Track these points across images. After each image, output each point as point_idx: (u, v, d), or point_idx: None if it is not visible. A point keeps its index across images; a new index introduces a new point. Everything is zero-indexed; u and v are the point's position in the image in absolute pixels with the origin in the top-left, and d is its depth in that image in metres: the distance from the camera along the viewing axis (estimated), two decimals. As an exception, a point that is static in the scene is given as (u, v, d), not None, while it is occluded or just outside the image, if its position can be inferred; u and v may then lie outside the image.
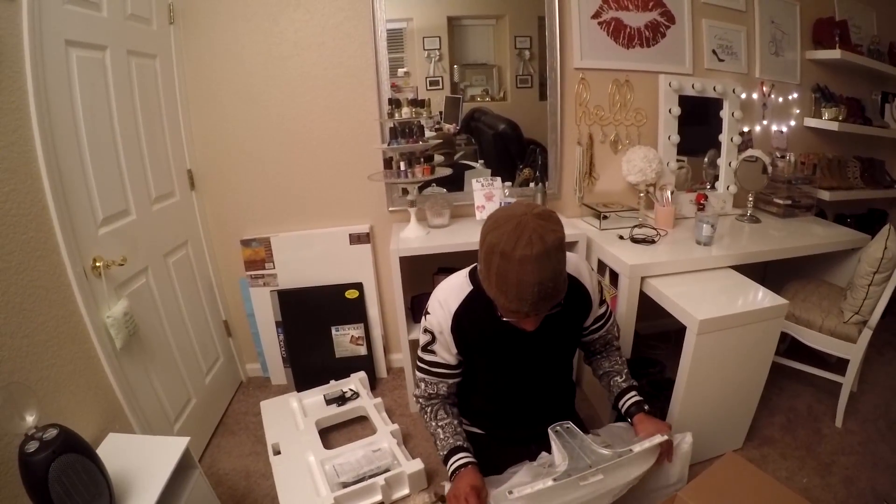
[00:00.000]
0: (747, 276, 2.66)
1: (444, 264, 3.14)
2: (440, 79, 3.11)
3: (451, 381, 1.95)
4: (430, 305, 1.88)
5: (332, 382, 3.21)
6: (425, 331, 1.90)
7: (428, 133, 2.89)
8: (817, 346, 2.86)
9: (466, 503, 1.73)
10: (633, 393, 2.03)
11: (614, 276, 2.84)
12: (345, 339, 3.37)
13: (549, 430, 1.81)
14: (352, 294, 3.31)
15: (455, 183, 3.24)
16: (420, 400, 2.01)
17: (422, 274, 3.14)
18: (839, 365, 2.85)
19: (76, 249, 2.00)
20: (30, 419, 1.52)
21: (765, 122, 3.62)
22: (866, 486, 2.51)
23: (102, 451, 1.75)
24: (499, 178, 3.08)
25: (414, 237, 2.91)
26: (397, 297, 2.86)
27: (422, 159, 2.83)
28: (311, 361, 3.36)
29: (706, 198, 3.33)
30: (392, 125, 2.79)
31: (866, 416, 2.98)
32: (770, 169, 3.22)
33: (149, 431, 2.33)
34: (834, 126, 3.54)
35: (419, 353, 1.95)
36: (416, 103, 2.79)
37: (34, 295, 1.79)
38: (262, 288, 3.29)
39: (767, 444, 2.81)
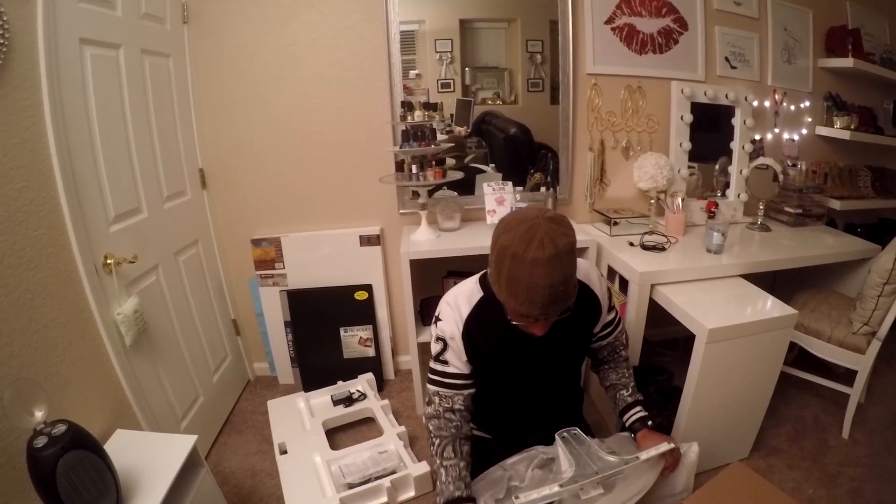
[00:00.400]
0: (757, 284, 2.66)
1: (453, 268, 3.14)
2: (451, 81, 3.12)
3: (465, 392, 1.90)
4: (440, 312, 1.86)
5: (340, 383, 3.22)
6: (437, 339, 1.87)
7: (439, 136, 2.90)
8: (826, 356, 2.85)
9: None
10: (639, 408, 2.02)
11: (624, 283, 2.84)
12: (353, 340, 3.38)
13: (556, 436, 1.81)
14: (361, 295, 3.31)
15: (466, 186, 3.23)
16: (431, 422, 1.92)
17: (431, 277, 3.14)
18: (847, 376, 2.83)
19: (88, 246, 2.01)
20: (39, 415, 1.52)
21: (776, 130, 3.61)
22: (872, 498, 2.50)
23: (110, 448, 1.75)
24: (510, 183, 3.07)
25: (424, 240, 2.92)
26: (407, 299, 2.86)
27: (433, 162, 2.83)
28: (318, 362, 3.37)
29: (717, 205, 3.32)
30: (404, 128, 2.79)
31: (874, 428, 2.97)
32: (781, 177, 3.20)
33: (156, 428, 2.34)
34: (846, 135, 3.53)
35: (431, 364, 1.91)
36: (429, 106, 2.79)
37: (45, 291, 1.80)
38: (271, 288, 3.30)
39: (774, 454, 2.80)
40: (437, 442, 1.88)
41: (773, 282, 3.52)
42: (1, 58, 1.64)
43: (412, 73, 3.00)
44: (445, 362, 1.87)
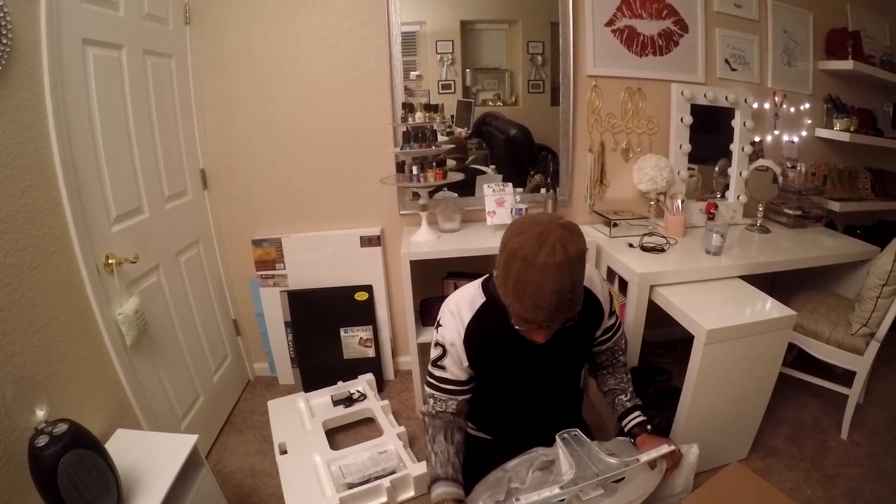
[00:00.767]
0: (756, 286, 2.66)
1: (454, 269, 3.15)
2: (452, 82, 3.12)
3: (460, 398, 1.91)
4: (442, 317, 1.87)
5: (340, 383, 3.23)
6: (437, 344, 1.87)
7: (440, 137, 2.91)
8: (824, 357, 2.86)
9: None
10: (638, 413, 2.01)
11: (623, 284, 2.84)
12: (353, 340, 3.38)
13: (557, 438, 1.80)
14: (361, 296, 3.32)
15: (466, 188, 3.24)
16: (425, 417, 1.96)
17: (432, 278, 3.15)
18: (846, 377, 2.84)
19: (89, 246, 2.02)
20: (40, 414, 1.53)
21: (776, 132, 3.62)
22: (870, 499, 2.50)
23: (111, 447, 1.75)
24: (510, 184, 3.09)
25: (424, 241, 2.93)
26: (407, 300, 2.87)
27: (434, 164, 2.84)
28: (319, 362, 3.37)
29: (716, 207, 3.32)
30: (405, 129, 2.80)
31: (872, 429, 2.97)
32: (781, 179, 3.21)
33: (157, 428, 2.34)
34: (845, 137, 3.54)
35: (429, 367, 1.92)
36: (430, 108, 2.80)
37: (47, 290, 1.81)
38: (272, 288, 3.30)
39: (772, 454, 2.80)
40: (430, 430, 1.92)
41: (772, 283, 3.53)
42: (4, 58, 1.65)
43: (413, 74, 3.00)
44: (443, 368, 1.87)
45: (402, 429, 2.84)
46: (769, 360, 2.49)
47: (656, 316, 2.69)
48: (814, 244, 3.10)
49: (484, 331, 1.79)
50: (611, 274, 2.99)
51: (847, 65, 3.48)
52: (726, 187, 3.52)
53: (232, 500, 2.46)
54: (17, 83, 1.72)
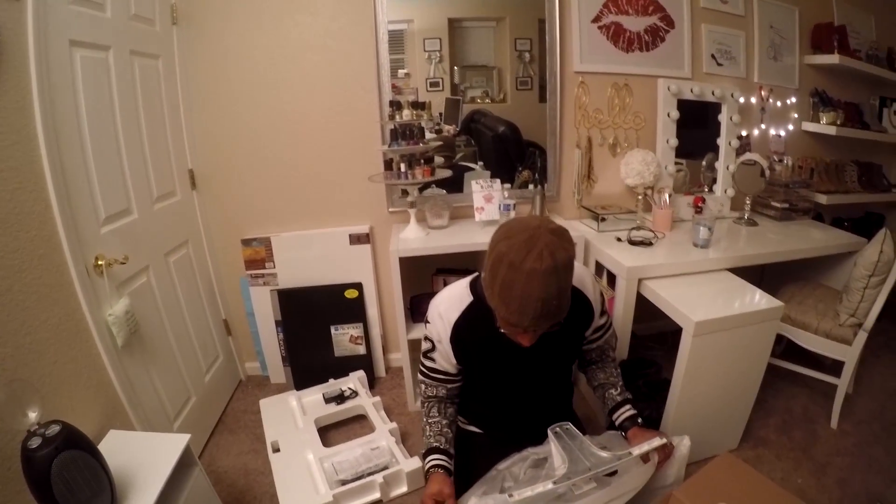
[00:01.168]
0: (744, 278, 2.68)
1: (443, 265, 3.16)
2: (440, 80, 3.13)
3: (450, 386, 1.97)
4: (429, 315, 1.88)
5: (331, 381, 3.23)
6: (426, 338, 1.91)
7: (428, 135, 2.91)
8: (813, 348, 2.88)
9: None
10: (628, 406, 2.02)
11: (612, 278, 2.86)
12: (344, 338, 3.39)
13: (549, 431, 1.80)
14: (351, 294, 3.32)
15: (454, 184, 3.25)
16: (421, 398, 2.03)
17: (421, 274, 3.16)
18: (835, 367, 2.86)
19: (79, 248, 2.01)
20: (32, 416, 1.53)
21: (763, 126, 3.64)
22: (860, 487, 2.53)
23: (104, 448, 1.76)
24: (498, 180, 3.10)
25: (413, 238, 2.93)
26: (396, 297, 2.88)
27: (422, 161, 2.85)
28: (310, 360, 3.38)
29: (704, 201, 3.34)
30: (393, 127, 2.81)
31: (861, 418, 3.00)
32: (768, 172, 3.24)
33: (149, 429, 2.34)
34: (832, 130, 3.57)
35: (421, 357, 1.96)
36: (417, 105, 2.80)
37: (37, 293, 1.80)
38: (262, 287, 3.30)
39: (763, 444, 2.83)
40: (426, 405, 1.99)
41: (760, 275, 3.55)
42: (-9, 61, 1.65)
43: (401, 72, 3.01)
44: (433, 360, 1.92)
45: (394, 425, 2.85)
46: (758, 351, 2.51)
47: (645, 309, 2.71)
48: (801, 236, 3.13)
49: (471, 330, 1.80)
50: (599, 268, 3.00)
51: (833, 59, 3.51)
52: (714, 181, 3.54)
53: (226, 500, 2.47)
54: (5, 86, 1.72)
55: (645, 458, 1.82)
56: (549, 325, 1.57)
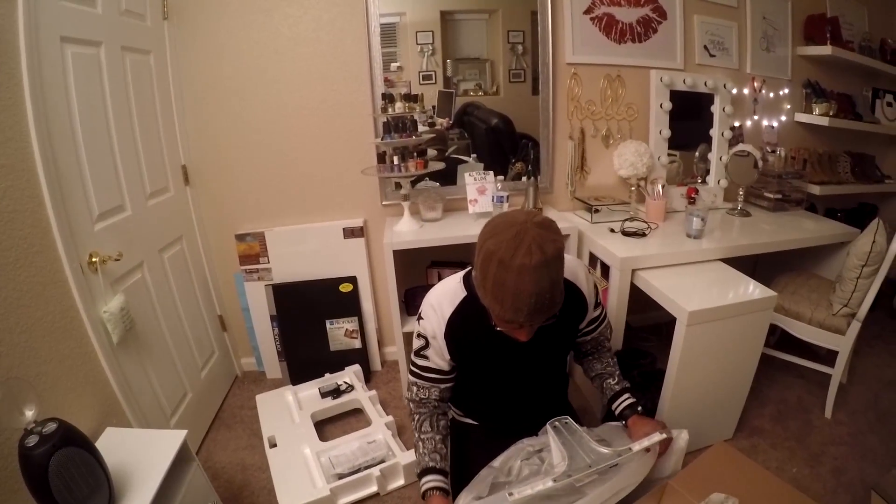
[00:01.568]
0: (738, 269, 2.69)
1: (437, 258, 3.16)
2: (433, 73, 3.13)
3: (443, 385, 1.93)
4: (423, 310, 1.86)
5: (327, 375, 3.25)
6: (419, 335, 1.87)
7: (421, 128, 2.91)
8: (807, 338, 2.89)
9: None
10: (627, 395, 2.02)
11: (605, 269, 2.86)
12: (339, 332, 3.39)
13: (548, 426, 1.80)
14: (346, 288, 3.33)
15: (448, 177, 3.25)
16: (410, 404, 1.98)
17: (415, 267, 3.16)
18: (829, 357, 2.87)
19: (72, 245, 2.01)
20: (29, 414, 1.53)
21: (756, 118, 3.65)
22: (855, 475, 2.55)
23: (101, 445, 1.75)
24: (491, 173, 3.10)
25: (407, 231, 2.94)
26: (391, 290, 2.89)
27: (415, 153, 2.84)
28: (305, 355, 3.38)
29: (697, 192, 3.35)
30: (385, 120, 2.81)
31: (855, 408, 3.02)
32: (761, 163, 3.24)
33: (146, 426, 2.34)
34: (824, 121, 3.57)
35: (412, 357, 1.92)
36: (410, 98, 2.80)
37: (31, 291, 1.80)
38: (256, 282, 3.30)
39: (758, 434, 2.84)
40: (416, 418, 1.94)
41: (754, 266, 3.56)
42: (-19, 58, 1.64)
43: (393, 65, 3.00)
44: (426, 357, 1.88)
45: (391, 418, 2.86)
46: (752, 340, 2.52)
47: (640, 301, 2.72)
48: (794, 227, 3.14)
49: (465, 325, 1.79)
50: (593, 259, 3.00)
51: (826, 50, 3.51)
52: (707, 172, 3.55)
53: (223, 495, 2.47)
54: (-4, 83, 1.72)
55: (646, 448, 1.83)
56: (545, 318, 1.55)
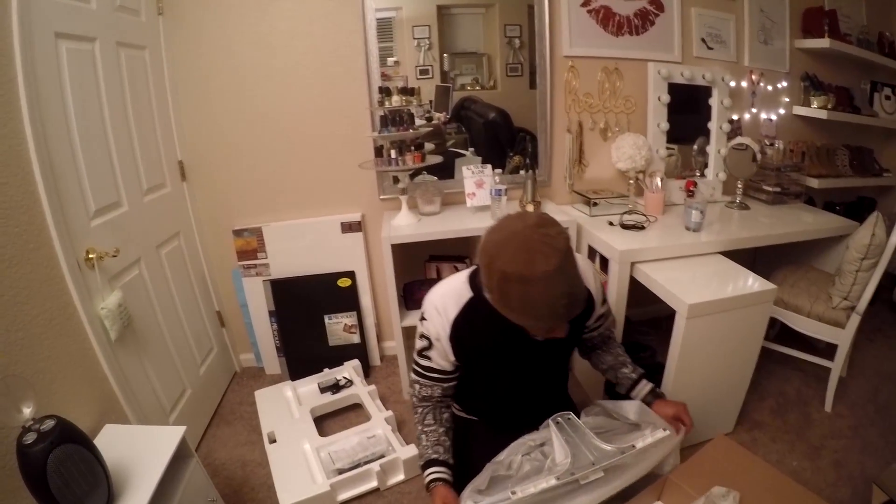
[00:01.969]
0: (737, 262, 2.68)
1: (435, 251, 3.17)
2: (430, 68, 3.12)
3: (446, 384, 1.91)
4: (426, 311, 1.82)
5: (326, 371, 3.24)
6: (422, 336, 1.85)
7: (418, 121, 2.90)
8: (806, 331, 2.89)
9: None
10: (644, 381, 2.02)
11: (604, 262, 2.86)
12: (338, 327, 3.39)
13: (550, 422, 1.79)
14: (344, 282, 3.32)
15: (446, 171, 3.25)
16: (413, 398, 1.98)
17: (414, 261, 3.17)
18: (828, 350, 2.88)
19: (69, 241, 2.00)
20: (27, 411, 1.52)
21: (754, 110, 3.64)
22: (855, 468, 2.55)
23: (100, 442, 1.76)
24: (489, 166, 3.09)
25: (405, 225, 2.93)
26: (389, 284, 2.88)
27: (412, 147, 2.83)
28: (304, 350, 3.38)
29: (695, 185, 3.34)
30: (382, 113, 2.80)
31: (855, 401, 3.02)
32: (759, 156, 3.23)
33: (144, 422, 2.33)
34: (823, 114, 3.57)
35: (414, 356, 1.91)
36: (406, 91, 2.79)
37: (28, 288, 1.79)
38: (254, 278, 3.29)
39: (758, 427, 2.84)
40: (419, 411, 1.94)
41: (753, 259, 3.56)
42: (-25, 53, 1.63)
43: (390, 60, 2.99)
44: (428, 358, 1.86)
45: (390, 413, 2.85)
46: (751, 333, 2.51)
47: (639, 294, 2.72)
48: (793, 220, 3.13)
49: (471, 327, 1.76)
50: (591, 252, 3.00)
51: (823, 43, 3.50)
52: (705, 165, 3.54)
53: (223, 491, 2.46)
54: (-10, 79, 1.71)
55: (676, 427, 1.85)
56: (582, 307, 1.54)
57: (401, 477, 2.59)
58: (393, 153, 2.82)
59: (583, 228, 3.04)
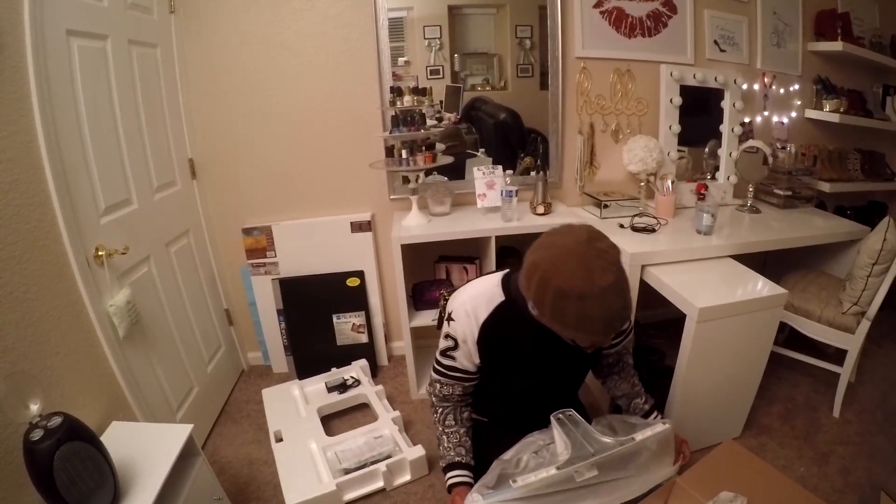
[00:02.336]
0: (747, 266, 2.67)
1: (445, 252, 3.17)
2: (441, 68, 3.12)
3: (467, 384, 1.92)
4: (455, 312, 1.82)
5: (334, 370, 3.24)
6: (447, 336, 1.85)
7: (429, 122, 2.90)
8: (816, 336, 2.88)
9: None
10: (656, 413, 2.07)
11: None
12: (346, 326, 3.39)
13: (552, 418, 1.80)
14: (353, 282, 3.32)
15: (456, 171, 3.25)
16: (433, 397, 1.99)
17: (423, 262, 3.17)
18: (837, 356, 2.86)
19: (79, 238, 2.01)
20: (34, 408, 1.53)
21: (766, 113, 3.62)
22: (863, 475, 2.53)
23: (106, 439, 1.76)
24: (500, 167, 3.08)
25: (415, 225, 2.93)
26: (399, 284, 2.88)
27: (423, 147, 2.83)
28: (312, 349, 3.38)
29: (707, 188, 3.33)
30: (393, 113, 2.79)
31: (864, 407, 3.00)
32: (771, 160, 3.22)
33: (151, 419, 2.34)
34: (835, 118, 3.54)
35: (437, 356, 1.91)
36: (418, 91, 2.79)
37: (38, 284, 1.80)
38: (263, 276, 3.30)
39: (765, 432, 2.83)
40: (439, 411, 1.96)
41: (763, 263, 3.54)
42: (-12, 50, 1.63)
43: (401, 60, 2.99)
44: (452, 358, 1.86)
45: (397, 413, 2.85)
46: (761, 338, 2.50)
47: (649, 298, 2.70)
48: (804, 224, 3.11)
49: (499, 330, 1.77)
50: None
51: (836, 46, 3.48)
52: (716, 168, 3.53)
53: (229, 490, 2.46)
54: (2, 76, 1.71)
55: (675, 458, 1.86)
56: (630, 319, 1.58)
57: (407, 477, 2.58)
58: (404, 153, 2.82)
59: (593, 230, 3.02)
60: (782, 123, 3.65)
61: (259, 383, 3.40)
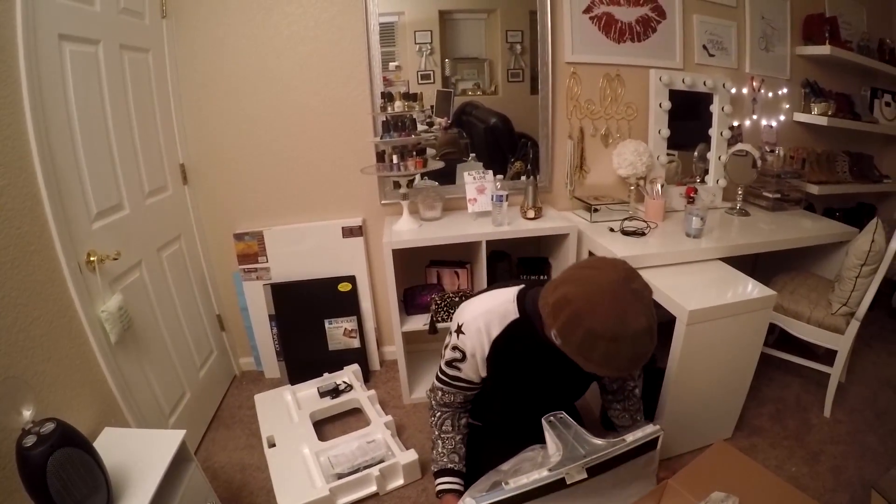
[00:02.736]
0: (737, 268, 2.69)
1: (436, 257, 3.17)
2: (431, 73, 3.12)
3: (469, 393, 1.94)
4: (466, 325, 1.82)
5: (326, 375, 3.24)
6: (455, 348, 1.85)
7: (420, 127, 2.90)
8: (806, 337, 2.89)
9: None
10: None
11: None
12: (338, 331, 3.38)
13: (543, 421, 1.80)
14: (345, 287, 3.32)
15: (447, 176, 3.25)
16: (432, 402, 1.99)
17: (414, 267, 3.17)
18: (827, 356, 2.88)
19: (70, 244, 2.00)
20: (27, 414, 1.52)
21: (754, 117, 3.65)
22: (854, 474, 2.55)
23: (99, 445, 1.75)
24: (490, 172, 3.10)
25: (406, 230, 2.93)
26: (390, 289, 2.88)
27: (414, 152, 2.84)
28: (304, 354, 3.38)
29: (696, 191, 3.35)
30: (384, 119, 2.80)
31: (854, 407, 3.02)
32: (759, 163, 3.24)
33: (144, 425, 2.33)
34: (823, 121, 3.57)
35: (442, 365, 1.92)
36: (409, 97, 2.80)
37: (29, 290, 1.79)
38: (255, 282, 3.29)
39: (757, 433, 2.84)
40: (437, 415, 1.97)
41: (753, 265, 3.57)
42: (-21, 56, 1.63)
43: (392, 65, 2.98)
44: (458, 369, 1.87)
45: (390, 418, 2.85)
46: (751, 340, 2.52)
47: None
48: (793, 226, 3.14)
49: (509, 347, 1.78)
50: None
51: (824, 50, 3.51)
52: (706, 172, 3.55)
53: (222, 495, 2.46)
54: (-6, 81, 1.71)
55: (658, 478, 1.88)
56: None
57: (400, 482, 2.58)
58: (395, 158, 2.82)
59: (583, 234, 3.04)
60: (771, 127, 3.67)
61: (251, 388, 3.39)
